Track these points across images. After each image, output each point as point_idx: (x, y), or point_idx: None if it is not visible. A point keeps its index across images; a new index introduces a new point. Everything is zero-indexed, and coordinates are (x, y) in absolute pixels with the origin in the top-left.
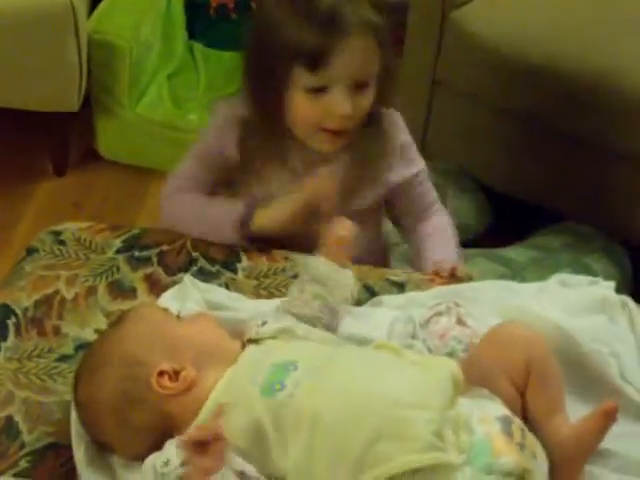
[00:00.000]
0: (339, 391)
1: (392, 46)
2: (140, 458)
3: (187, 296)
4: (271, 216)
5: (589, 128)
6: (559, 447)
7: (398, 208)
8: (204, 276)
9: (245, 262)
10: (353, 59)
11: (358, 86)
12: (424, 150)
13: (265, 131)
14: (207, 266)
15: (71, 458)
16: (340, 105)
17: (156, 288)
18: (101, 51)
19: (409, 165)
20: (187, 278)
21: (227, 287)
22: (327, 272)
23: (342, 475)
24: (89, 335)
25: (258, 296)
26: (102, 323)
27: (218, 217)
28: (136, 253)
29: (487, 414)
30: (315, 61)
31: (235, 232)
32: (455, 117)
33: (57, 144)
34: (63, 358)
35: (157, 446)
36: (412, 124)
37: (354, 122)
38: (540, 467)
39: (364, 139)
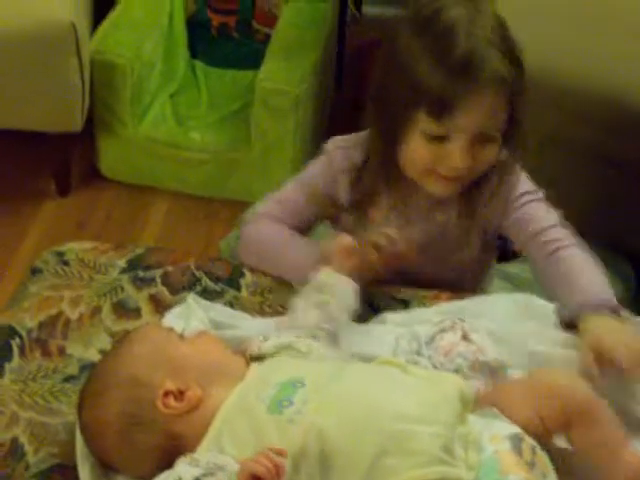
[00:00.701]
0: (346, 408)
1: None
2: (147, 477)
3: (191, 315)
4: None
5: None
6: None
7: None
8: (208, 295)
9: (249, 278)
10: (479, 112)
11: (481, 139)
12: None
13: (379, 170)
14: (211, 285)
15: (76, 479)
16: (457, 158)
17: (160, 308)
18: (103, 71)
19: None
20: (191, 297)
21: (231, 306)
22: (328, 281)
23: None
24: (93, 355)
25: (263, 313)
26: (107, 343)
27: (297, 259)
28: (140, 273)
29: (497, 432)
30: (439, 109)
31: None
32: None
33: (60, 164)
34: (68, 379)
35: (164, 465)
36: None
37: (472, 173)
38: None
39: (480, 188)
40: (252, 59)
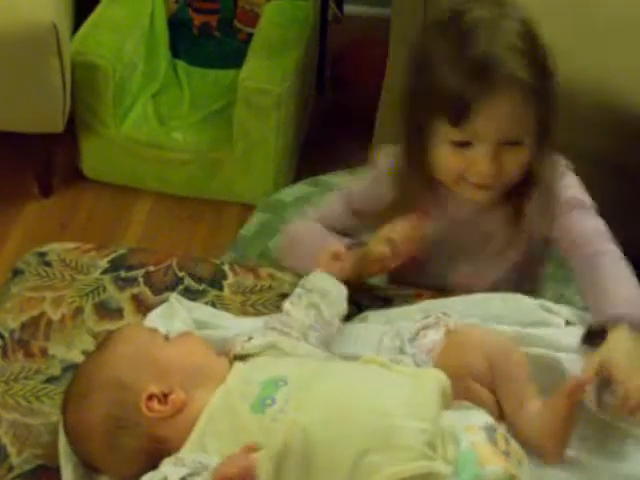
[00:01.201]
0: (329, 405)
1: (552, 100)
2: (131, 479)
3: (174, 315)
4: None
5: None
6: (536, 431)
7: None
8: (191, 294)
9: (231, 278)
10: (498, 117)
11: (508, 144)
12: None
13: (415, 177)
14: (193, 285)
15: None
16: (483, 164)
17: (143, 308)
18: (84, 72)
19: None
20: (174, 297)
21: (214, 305)
22: (325, 285)
23: None
24: (76, 356)
25: (245, 313)
26: (89, 344)
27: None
28: (122, 273)
29: (472, 424)
30: (457, 114)
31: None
32: None
33: (42, 165)
34: (50, 379)
35: (149, 467)
36: (397, 139)
37: (502, 179)
38: (525, 473)
39: (522, 195)
40: (234, 58)
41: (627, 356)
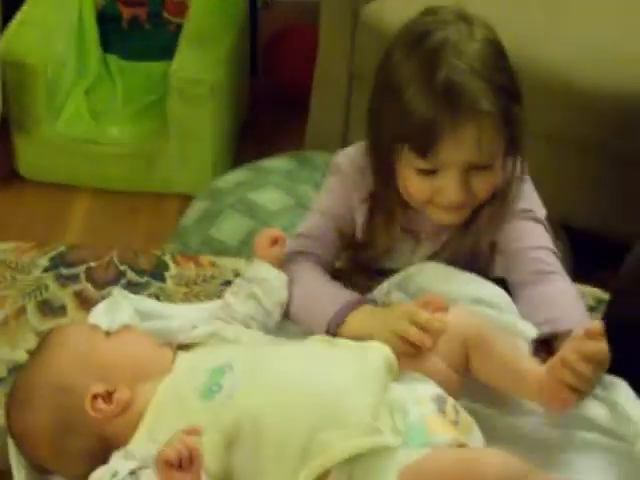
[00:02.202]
0: (276, 388)
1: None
2: (83, 478)
3: (118, 309)
4: (359, 328)
5: None
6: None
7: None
8: (133, 288)
9: (173, 269)
10: (463, 146)
11: (475, 168)
12: (345, 142)
13: (383, 198)
14: (135, 278)
15: None
16: (449, 191)
17: (86, 304)
18: (15, 71)
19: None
20: (117, 291)
21: (157, 297)
22: (262, 274)
23: (289, 470)
24: (21, 356)
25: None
26: (34, 343)
27: (317, 315)
28: (63, 271)
29: (421, 395)
30: (424, 146)
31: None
32: None
33: None
34: None
35: (100, 463)
36: (332, 122)
37: (472, 202)
38: (475, 443)
39: (482, 209)
40: (165, 50)
41: None
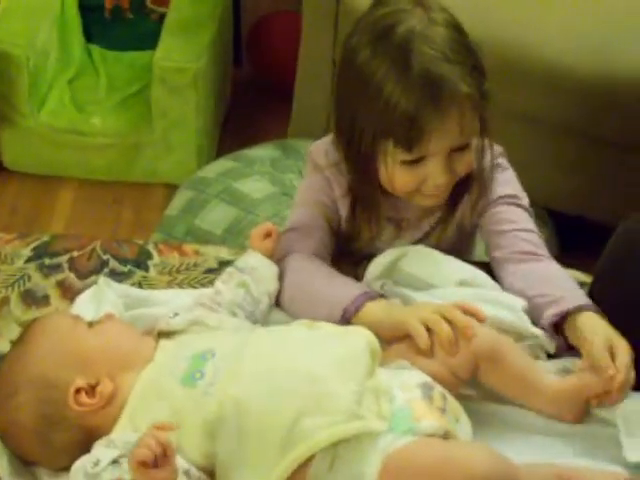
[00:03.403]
0: (259, 374)
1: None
2: (67, 469)
3: (102, 298)
4: (380, 315)
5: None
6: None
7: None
8: (117, 277)
9: (156, 259)
10: (448, 133)
11: (457, 150)
12: (329, 130)
13: (362, 189)
14: (119, 267)
15: None
16: (436, 177)
17: (69, 294)
18: None
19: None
20: (102, 280)
21: (140, 286)
22: (254, 264)
23: (272, 456)
24: (4, 346)
25: None
26: (17, 333)
27: (324, 303)
28: (46, 261)
29: (407, 382)
30: (410, 139)
31: (334, 320)
32: None
33: None
34: None
35: (84, 453)
36: (316, 110)
37: (453, 182)
38: (463, 431)
39: (462, 194)
40: (148, 39)
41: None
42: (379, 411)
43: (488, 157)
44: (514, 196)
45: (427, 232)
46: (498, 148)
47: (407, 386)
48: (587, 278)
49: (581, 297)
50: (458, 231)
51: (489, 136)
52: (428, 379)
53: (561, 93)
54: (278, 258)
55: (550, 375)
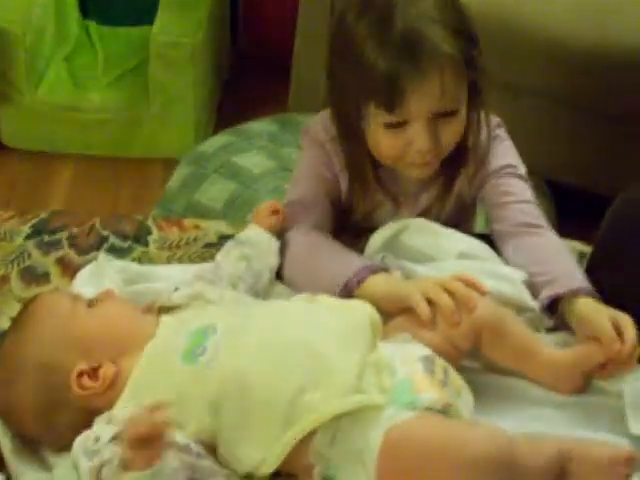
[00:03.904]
0: (260, 350)
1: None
2: (70, 448)
3: (102, 274)
4: (382, 288)
5: None
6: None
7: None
8: (116, 253)
9: (156, 234)
10: (428, 95)
11: (442, 116)
12: (326, 102)
13: (354, 160)
14: (118, 243)
15: None
16: (419, 141)
17: (69, 270)
18: None
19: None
20: (102, 256)
21: (140, 262)
22: (255, 238)
23: (274, 431)
24: (5, 324)
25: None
26: (17, 311)
27: (326, 276)
28: (46, 237)
29: (409, 355)
30: (387, 99)
31: (336, 293)
32: None
33: None
34: None
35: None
36: (315, 83)
37: (441, 152)
38: (465, 404)
39: (456, 163)
40: (145, 14)
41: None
42: (380, 385)
43: (484, 129)
44: (513, 166)
45: (426, 208)
46: (495, 119)
47: (408, 360)
48: (587, 248)
49: (577, 279)
50: (457, 204)
51: (485, 108)
52: (430, 352)
53: (561, 65)
54: (279, 232)
55: (550, 346)
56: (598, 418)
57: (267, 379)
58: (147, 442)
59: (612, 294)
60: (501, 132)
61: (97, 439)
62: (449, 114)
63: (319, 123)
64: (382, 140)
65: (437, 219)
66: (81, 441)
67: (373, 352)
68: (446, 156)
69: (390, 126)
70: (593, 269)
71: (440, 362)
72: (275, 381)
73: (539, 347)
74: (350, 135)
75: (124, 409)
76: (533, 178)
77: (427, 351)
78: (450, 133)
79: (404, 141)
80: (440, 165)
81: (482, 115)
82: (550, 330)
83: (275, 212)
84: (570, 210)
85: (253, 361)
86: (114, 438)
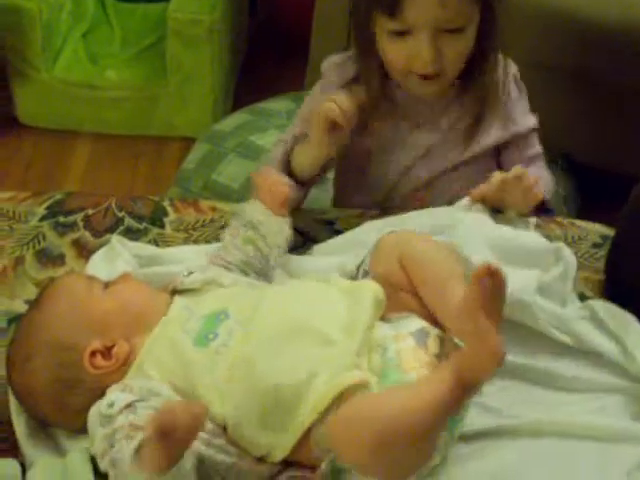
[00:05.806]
0: (270, 336)
1: None
2: (84, 431)
3: (116, 257)
4: (302, 149)
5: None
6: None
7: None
8: (132, 234)
9: (172, 215)
10: (428, 4)
11: (447, 31)
12: None
13: (368, 77)
14: (134, 224)
15: (13, 434)
16: (421, 50)
17: (85, 252)
18: (11, 16)
19: (515, 123)
20: (115, 238)
21: (156, 243)
22: (261, 218)
23: (282, 416)
24: (20, 307)
25: None
26: (32, 293)
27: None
28: (61, 219)
29: (401, 331)
30: (391, 5)
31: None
32: None
33: None
34: None
35: None
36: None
37: (446, 67)
38: None
39: (471, 87)
40: None
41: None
42: (370, 364)
43: (501, 68)
44: (535, 124)
45: (444, 131)
46: (514, 67)
47: (401, 335)
48: (610, 231)
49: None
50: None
51: (500, 46)
52: (425, 324)
53: (581, 41)
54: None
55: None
56: None
57: (276, 366)
58: (178, 435)
59: (635, 272)
60: (520, 82)
61: (111, 404)
62: (454, 31)
63: (334, 64)
64: (388, 49)
65: (459, 153)
66: (96, 406)
67: (370, 331)
68: (458, 78)
69: (395, 34)
70: (616, 253)
71: (434, 333)
72: (283, 368)
73: (450, 285)
74: (365, 50)
75: (135, 378)
76: (558, 160)
77: (422, 323)
78: (454, 50)
79: (407, 50)
80: (454, 89)
81: (499, 53)
82: None
83: (283, 203)
84: (594, 193)
85: (262, 348)
86: (128, 405)
